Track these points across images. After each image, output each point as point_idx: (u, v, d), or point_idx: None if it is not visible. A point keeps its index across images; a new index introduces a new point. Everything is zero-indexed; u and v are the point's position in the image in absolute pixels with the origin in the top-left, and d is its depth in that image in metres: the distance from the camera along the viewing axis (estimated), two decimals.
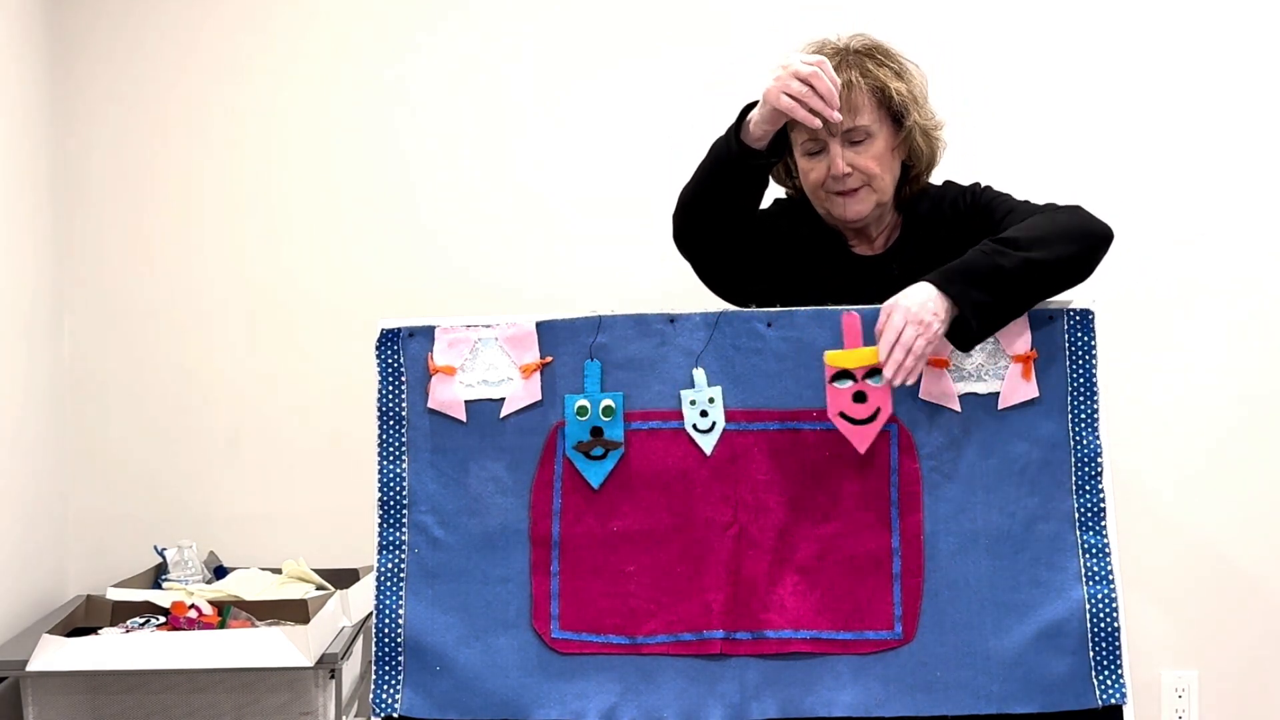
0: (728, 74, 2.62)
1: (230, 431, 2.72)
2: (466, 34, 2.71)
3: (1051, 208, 1.84)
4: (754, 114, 1.76)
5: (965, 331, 1.69)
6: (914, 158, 1.91)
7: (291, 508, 2.71)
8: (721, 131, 1.83)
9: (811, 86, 1.69)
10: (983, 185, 1.95)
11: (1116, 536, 1.70)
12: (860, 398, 1.70)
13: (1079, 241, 1.75)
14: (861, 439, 1.70)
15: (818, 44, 1.91)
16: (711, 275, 1.93)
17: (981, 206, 1.91)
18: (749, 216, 1.87)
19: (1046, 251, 1.71)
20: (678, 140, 2.64)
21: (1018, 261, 1.69)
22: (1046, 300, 1.75)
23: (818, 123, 1.72)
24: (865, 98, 1.83)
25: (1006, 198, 1.91)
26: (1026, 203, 1.88)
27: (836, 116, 1.72)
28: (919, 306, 1.66)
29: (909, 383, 1.67)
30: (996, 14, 2.67)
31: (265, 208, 2.71)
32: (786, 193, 2.04)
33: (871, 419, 1.70)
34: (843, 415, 1.71)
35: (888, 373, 1.66)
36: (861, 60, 1.85)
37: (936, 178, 2.01)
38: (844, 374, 1.70)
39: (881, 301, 1.71)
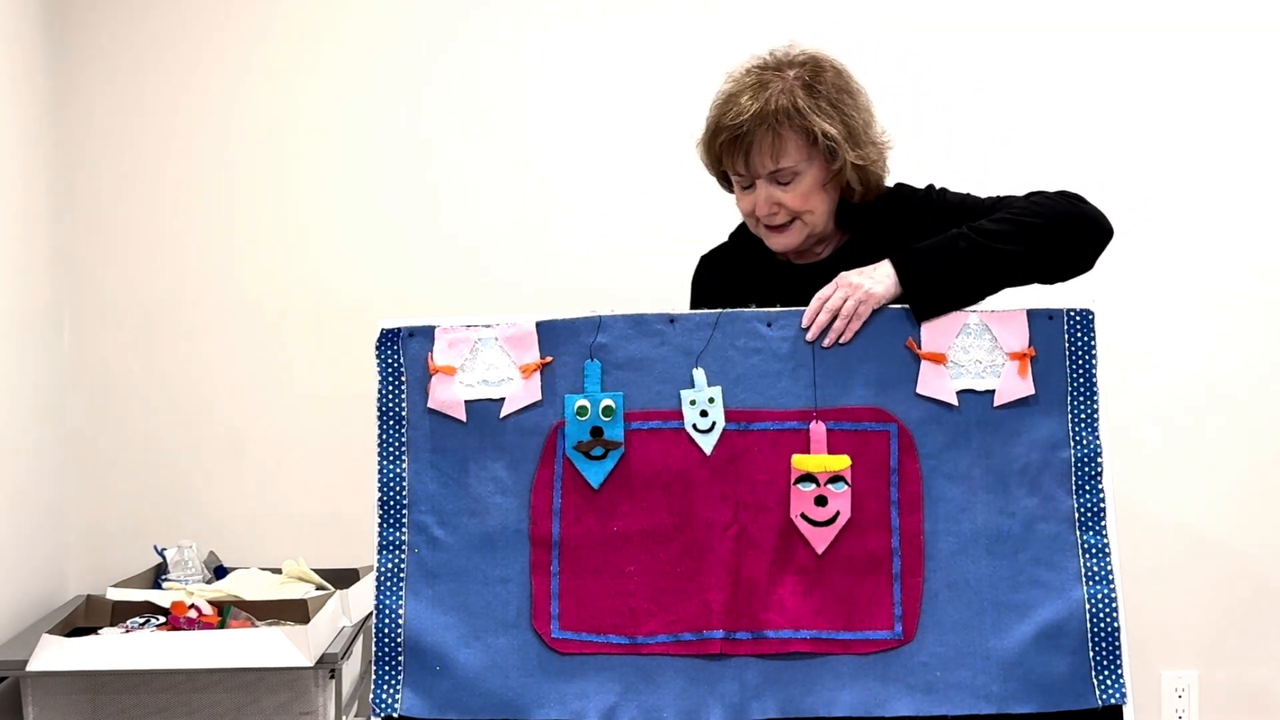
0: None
1: (230, 432, 2.72)
2: (470, 37, 2.71)
3: (1040, 194, 1.80)
4: None
5: (916, 302, 1.72)
6: (848, 190, 1.85)
7: (291, 508, 2.71)
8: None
9: None
10: (939, 187, 1.90)
11: (1116, 536, 1.70)
12: (821, 501, 1.71)
13: (1059, 227, 1.75)
14: (820, 540, 1.72)
15: (760, 60, 1.84)
16: None
17: (941, 208, 1.86)
18: None
19: (1015, 233, 1.72)
20: (679, 142, 2.65)
21: (974, 242, 1.72)
22: (1046, 300, 1.75)
23: None
24: (791, 142, 1.79)
25: (967, 196, 1.87)
26: (998, 197, 1.84)
27: None
28: (860, 273, 1.72)
29: (840, 340, 1.72)
30: (990, 13, 2.68)
31: (265, 208, 2.72)
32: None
33: (831, 521, 1.71)
34: (803, 516, 1.72)
35: (804, 320, 1.72)
36: (794, 97, 1.78)
37: (893, 178, 1.92)
38: (807, 477, 1.72)
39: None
